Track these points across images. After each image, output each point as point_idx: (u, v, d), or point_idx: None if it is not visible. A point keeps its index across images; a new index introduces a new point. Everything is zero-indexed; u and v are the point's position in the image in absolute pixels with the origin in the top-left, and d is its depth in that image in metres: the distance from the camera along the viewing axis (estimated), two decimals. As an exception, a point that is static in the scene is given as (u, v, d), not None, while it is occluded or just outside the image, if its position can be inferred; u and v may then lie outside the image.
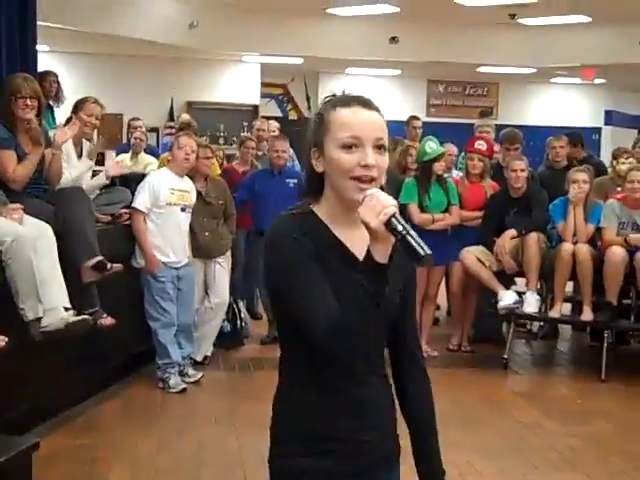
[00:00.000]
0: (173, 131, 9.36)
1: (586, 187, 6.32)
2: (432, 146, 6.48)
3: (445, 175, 6.92)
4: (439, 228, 6.48)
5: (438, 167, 6.47)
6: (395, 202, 1.69)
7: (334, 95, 1.90)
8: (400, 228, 1.66)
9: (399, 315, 1.93)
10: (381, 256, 1.69)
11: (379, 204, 1.68)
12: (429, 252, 1.65)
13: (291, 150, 7.18)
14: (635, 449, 4.81)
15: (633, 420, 5.35)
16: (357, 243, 1.83)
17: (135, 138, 8.07)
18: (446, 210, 6.54)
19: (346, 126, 1.80)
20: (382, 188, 1.78)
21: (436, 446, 2.03)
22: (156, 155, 8.24)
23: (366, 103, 1.84)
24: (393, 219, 1.66)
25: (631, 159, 7.27)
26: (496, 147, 7.64)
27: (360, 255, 1.79)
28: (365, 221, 1.68)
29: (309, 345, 1.77)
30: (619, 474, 4.44)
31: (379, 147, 1.80)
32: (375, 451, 1.93)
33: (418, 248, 1.65)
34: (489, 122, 9.57)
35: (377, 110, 1.85)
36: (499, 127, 10.87)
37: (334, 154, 1.80)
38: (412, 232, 1.67)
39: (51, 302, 4.35)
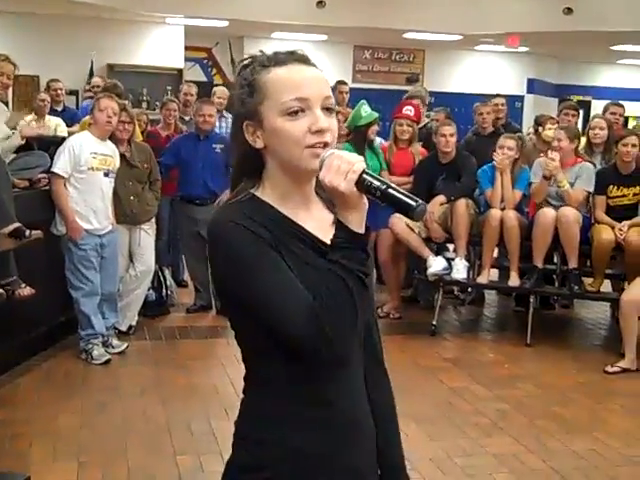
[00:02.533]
0: (93, 94, 9.03)
1: (511, 153, 6.34)
2: (367, 110, 6.41)
3: (377, 141, 6.90)
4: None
5: (372, 131, 6.42)
6: (361, 158, 1.46)
7: (253, 57, 1.60)
8: (377, 183, 1.43)
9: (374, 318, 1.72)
10: (357, 225, 1.47)
11: (344, 163, 1.44)
12: (421, 201, 1.43)
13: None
14: (560, 411, 4.89)
15: (558, 383, 5.43)
16: (318, 222, 1.60)
17: (41, 100, 7.71)
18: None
19: (288, 87, 1.52)
20: None
21: (402, 460, 1.81)
22: (76, 119, 7.93)
23: (304, 59, 1.57)
24: (365, 175, 1.44)
25: (556, 125, 7.36)
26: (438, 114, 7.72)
27: (325, 236, 1.56)
28: (332, 185, 1.44)
29: (286, 352, 1.50)
30: (546, 436, 4.50)
31: (328, 108, 1.54)
32: (358, 476, 1.66)
33: (408, 199, 1.42)
34: (420, 87, 9.56)
35: (315, 66, 1.58)
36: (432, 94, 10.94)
37: (277, 124, 1.52)
38: (392, 184, 1.45)
39: (-36, 271, 4.13)
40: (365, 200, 1.47)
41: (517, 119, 13.21)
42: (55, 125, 7.38)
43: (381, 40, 15.52)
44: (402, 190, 1.45)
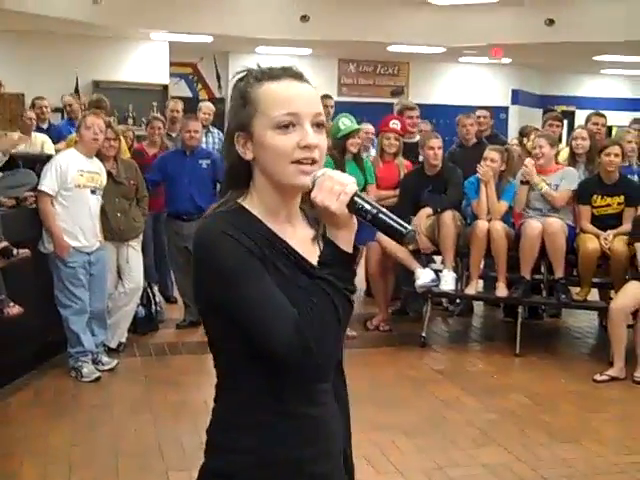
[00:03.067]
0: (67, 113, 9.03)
1: (495, 165, 6.40)
2: (346, 122, 6.41)
3: (364, 155, 6.90)
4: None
5: (352, 144, 6.37)
6: (354, 179, 1.49)
7: (249, 70, 1.63)
8: (368, 207, 1.45)
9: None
10: (346, 244, 1.49)
11: (336, 184, 1.46)
12: (410, 227, 1.46)
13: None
14: (550, 421, 4.92)
15: (547, 392, 5.47)
16: (301, 239, 1.63)
17: (29, 118, 7.69)
18: (363, 189, 6.50)
19: (280, 102, 1.55)
20: None
21: (352, 465, 1.82)
22: (62, 136, 7.92)
23: (298, 75, 1.61)
24: (357, 198, 1.46)
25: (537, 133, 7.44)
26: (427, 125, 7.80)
27: (306, 253, 1.60)
28: (324, 205, 1.45)
29: (262, 360, 1.51)
30: (535, 445, 4.52)
31: (318, 125, 1.57)
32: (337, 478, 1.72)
33: (397, 226, 1.45)
34: (405, 100, 9.62)
35: (308, 82, 1.62)
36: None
37: (267, 137, 1.54)
38: (383, 209, 1.46)
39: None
40: (355, 220, 1.49)
41: (502, 130, 13.30)
42: (42, 142, 7.36)
43: (366, 53, 15.61)
44: (392, 216, 1.46)
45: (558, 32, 13.00)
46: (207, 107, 8.19)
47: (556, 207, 6.22)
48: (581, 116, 12.13)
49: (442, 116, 13.46)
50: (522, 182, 6.29)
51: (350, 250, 1.50)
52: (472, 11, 13.15)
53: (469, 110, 8.40)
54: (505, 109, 16.83)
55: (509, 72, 17.07)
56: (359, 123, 6.87)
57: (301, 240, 1.63)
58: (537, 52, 14.53)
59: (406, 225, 1.45)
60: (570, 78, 18.08)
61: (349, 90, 16.29)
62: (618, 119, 15.28)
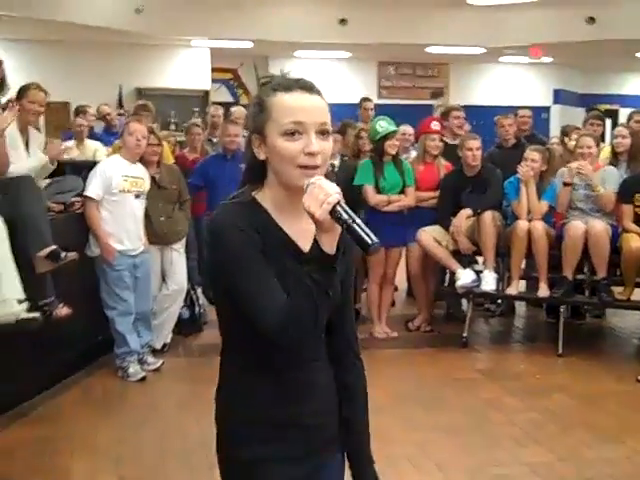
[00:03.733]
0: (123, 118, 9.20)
1: (536, 165, 6.38)
2: (383, 125, 6.44)
3: (403, 156, 6.93)
4: (395, 209, 6.48)
5: (389, 145, 6.40)
6: (338, 189, 1.64)
7: (272, 77, 1.83)
8: (345, 217, 1.61)
9: (339, 301, 1.90)
10: (328, 246, 1.65)
11: (322, 192, 1.63)
12: (376, 240, 1.61)
13: None
14: (593, 420, 4.89)
15: (590, 393, 5.43)
16: (302, 233, 1.79)
17: (78, 125, 7.89)
18: (402, 191, 6.53)
19: (288, 112, 1.73)
20: (327, 176, 1.72)
21: (367, 433, 2.05)
22: (106, 143, 8.08)
23: (308, 87, 1.78)
24: (338, 207, 1.61)
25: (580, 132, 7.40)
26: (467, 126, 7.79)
27: (305, 245, 1.76)
28: (310, 211, 1.63)
29: (256, 335, 1.73)
30: (580, 445, 4.51)
31: (322, 132, 1.75)
32: (325, 434, 1.95)
33: (365, 237, 1.61)
34: (446, 103, 9.62)
35: (319, 94, 1.79)
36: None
37: (276, 142, 1.74)
38: (358, 220, 1.62)
39: (3, 294, 4.25)
40: (337, 226, 1.64)
41: (544, 130, 13.22)
42: (94, 150, 7.53)
43: (405, 55, 15.61)
44: (365, 228, 1.61)
45: (599, 30, 12.88)
46: (240, 112, 8.25)
47: (606, 210, 6.16)
48: (624, 114, 12.00)
49: (483, 117, 13.32)
50: (565, 183, 6.23)
51: (332, 251, 1.66)
52: (511, 10, 13.09)
53: (510, 111, 8.37)
54: (547, 109, 16.71)
55: (550, 71, 16.93)
56: (397, 125, 6.91)
57: (303, 234, 1.79)
58: (578, 51, 14.39)
59: (373, 238, 1.61)
60: (612, 76, 17.85)
61: (389, 93, 16.30)
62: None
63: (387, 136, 6.39)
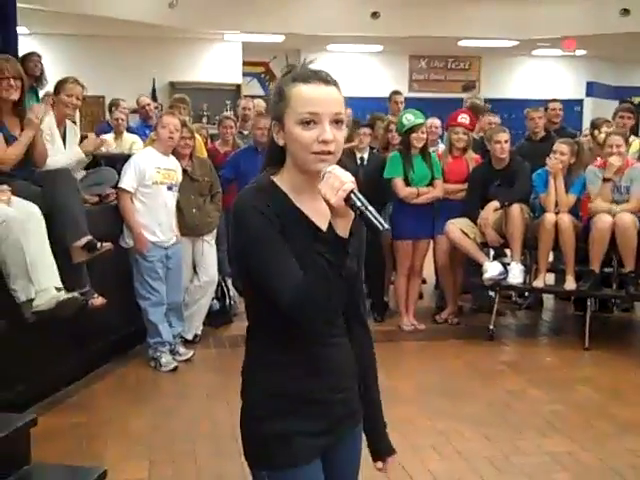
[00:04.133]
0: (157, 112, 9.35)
1: (564, 158, 6.41)
2: (409, 117, 6.49)
3: (431, 149, 6.98)
4: (424, 201, 6.54)
5: (416, 138, 6.44)
6: (353, 178, 1.75)
7: (293, 67, 1.94)
8: (359, 204, 1.73)
9: (356, 287, 2.07)
10: (342, 230, 1.77)
11: (337, 181, 1.74)
12: (387, 227, 1.75)
13: None
14: (618, 413, 4.93)
15: (616, 386, 5.47)
16: (319, 213, 1.91)
17: (115, 119, 8.05)
18: (430, 184, 6.59)
19: (305, 102, 1.86)
20: (340, 163, 1.84)
21: (378, 397, 2.20)
22: (142, 134, 8.23)
23: (324, 79, 1.89)
24: (352, 195, 1.73)
25: (612, 128, 7.39)
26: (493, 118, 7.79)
27: (322, 224, 1.89)
28: (326, 198, 1.75)
29: (276, 312, 1.85)
30: (602, 437, 4.56)
31: (337, 122, 1.87)
32: (343, 409, 2.06)
33: (376, 223, 1.73)
34: (478, 95, 9.64)
35: (335, 85, 1.91)
36: (489, 101, 11.00)
37: (294, 129, 1.86)
38: (370, 207, 1.74)
39: (42, 283, 4.39)
40: (351, 212, 1.76)
41: (577, 123, 13.16)
42: (131, 143, 7.68)
43: (436, 49, 15.60)
44: (377, 214, 1.74)
45: (633, 22, 12.77)
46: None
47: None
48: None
49: (515, 110, 13.31)
50: (604, 179, 6.24)
51: (345, 235, 1.78)
52: (544, 3, 13.03)
53: (542, 104, 8.38)
54: (580, 102, 16.59)
55: (583, 64, 16.80)
56: (426, 118, 6.96)
57: (320, 214, 1.91)
58: (612, 43, 14.27)
59: (384, 224, 1.74)
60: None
61: (420, 86, 16.30)
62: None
63: (414, 129, 6.44)
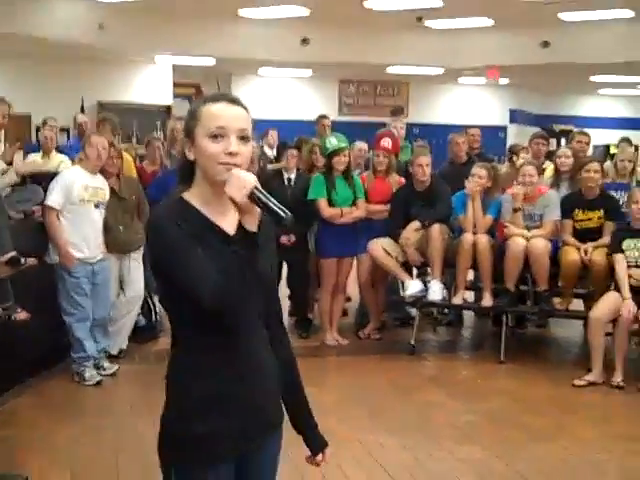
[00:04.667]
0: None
1: (482, 181, 6.69)
2: (332, 141, 6.70)
3: (356, 172, 7.19)
4: (348, 221, 6.73)
5: (337, 161, 6.65)
6: (255, 177, 1.95)
7: (204, 96, 2.17)
8: (262, 197, 1.92)
9: (272, 288, 2.24)
10: (250, 225, 1.95)
11: (240, 180, 1.94)
12: (289, 215, 1.92)
13: None
14: (529, 422, 5.16)
15: (528, 396, 5.72)
16: (228, 221, 2.08)
17: (45, 137, 8.02)
18: (352, 204, 6.78)
19: (213, 118, 2.04)
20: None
21: (305, 395, 2.33)
22: (68, 154, 8.21)
23: (232, 100, 2.10)
24: (255, 190, 1.92)
25: (529, 154, 7.75)
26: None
27: (231, 231, 2.06)
28: (231, 196, 1.93)
29: (197, 315, 1.98)
30: (513, 445, 4.78)
31: (242, 138, 2.04)
32: (263, 413, 2.15)
33: (279, 211, 1.92)
34: (399, 120, 9.90)
35: (243, 106, 2.10)
36: (410, 125, 11.29)
37: (203, 143, 2.03)
38: (272, 200, 1.93)
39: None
40: (257, 208, 1.95)
41: (500, 148, 13.58)
42: (59, 162, 7.65)
43: (366, 74, 15.95)
44: (279, 205, 1.93)
45: (553, 54, 13.32)
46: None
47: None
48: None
49: (441, 135, 13.69)
50: (514, 209, 6.54)
51: (254, 229, 1.96)
52: (469, 34, 13.49)
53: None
54: (504, 128, 17.16)
55: (507, 92, 17.41)
56: (352, 142, 7.16)
57: (228, 222, 2.09)
58: (533, 73, 14.85)
59: (287, 212, 1.92)
60: (567, 98, 18.41)
61: (350, 110, 16.64)
62: (616, 138, 15.60)
63: (337, 152, 6.65)
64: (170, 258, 1.99)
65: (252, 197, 1.92)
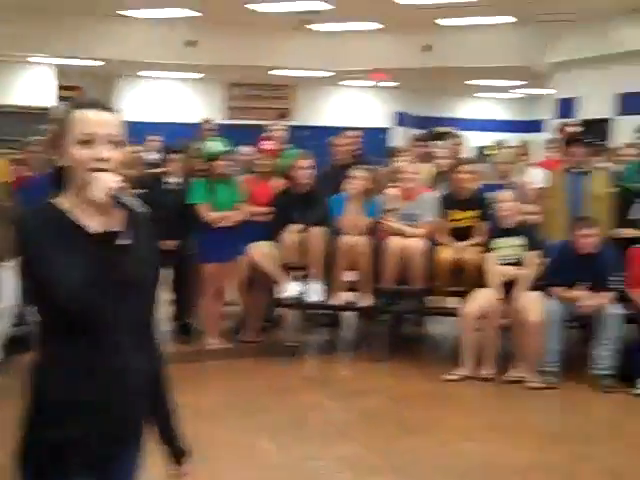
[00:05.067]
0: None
1: (360, 183, 6.83)
2: (213, 146, 6.75)
3: (239, 176, 7.21)
4: (228, 224, 6.74)
5: (217, 166, 6.69)
6: (117, 179, 2.00)
7: (73, 100, 2.17)
8: (122, 198, 1.99)
9: (146, 292, 2.18)
10: (114, 225, 2.00)
11: (102, 182, 1.99)
12: (146, 210, 2.03)
13: None
14: (404, 417, 5.34)
15: (403, 393, 5.90)
16: (97, 225, 2.07)
17: None
18: (235, 208, 6.81)
19: (82, 124, 2.05)
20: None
21: (171, 407, 2.27)
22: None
23: (100, 105, 2.11)
24: (116, 192, 1.99)
25: (408, 156, 7.96)
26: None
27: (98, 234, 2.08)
28: (94, 198, 1.99)
29: (57, 317, 1.99)
30: (389, 439, 4.93)
31: (112, 142, 2.06)
32: (126, 425, 2.12)
33: (136, 207, 2.00)
34: (281, 123, 9.97)
35: (111, 111, 2.11)
36: (297, 128, 11.39)
37: (72, 149, 2.04)
38: (132, 199, 2.01)
39: None
40: (120, 209, 2.00)
41: (382, 151, 13.85)
42: None
43: (253, 77, 15.98)
44: (135, 203, 2.00)
45: (435, 57, 13.71)
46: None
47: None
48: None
49: (328, 137, 13.87)
50: (389, 210, 6.70)
51: (119, 229, 2.00)
52: (353, 37, 13.74)
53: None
54: (387, 130, 17.49)
55: (391, 95, 17.77)
56: (237, 146, 7.17)
57: (98, 225, 2.07)
58: (416, 76, 15.24)
59: (143, 208, 2.02)
60: (448, 101, 18.97)
61: (237, 113, 16.63)
62: (489, 139, 16.23)
63: (217, 156, 6.67)
64: (31, 259, 2.00)
65: (114, 198, 1.99)
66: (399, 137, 16.77)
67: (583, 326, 6.56)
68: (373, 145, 11.00)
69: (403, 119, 17.81)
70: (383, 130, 17.09)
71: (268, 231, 6.94)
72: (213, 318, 6.88)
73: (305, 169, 6.96)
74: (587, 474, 4.48)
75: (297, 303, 6.74)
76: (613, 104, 12.43)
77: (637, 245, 6.39)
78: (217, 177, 6.72)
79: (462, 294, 6.92)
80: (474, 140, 13.80)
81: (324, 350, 7.26)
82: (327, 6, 11.49)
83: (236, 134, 9.04)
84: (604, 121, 12.41)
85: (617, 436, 5.20)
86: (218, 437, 4.84)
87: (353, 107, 17.45)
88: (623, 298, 6.20)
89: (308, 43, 13.82)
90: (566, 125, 8.95)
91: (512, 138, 15.30)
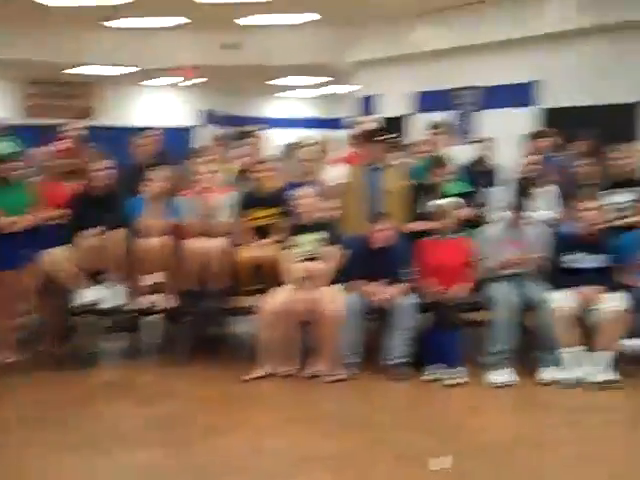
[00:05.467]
0: None
1: (158, 184, 6.74)
2: (0, 147, 6.41)
3: (31, 178, 6.89)
4: (18, 230, 6.42)
5: (3, 169, 6.41)
6: None
7: None
8: None
9: None
10: None
11: None
12: None
13: None
14: (204, 420, 5.29)
15: (203, 396, 5.87)
16: None
17: None
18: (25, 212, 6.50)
19: None
20: None
21: None
22: None
23: None
24: None
25: (211, 156, 7.91)
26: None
27: None
28: None
29: None
30: (188, 442, 4.84)
31: None
32: None
33: None
34: (77, 123, 9.63)
35: None
36: (99, 128, 11.06)
37: None
38: None
39: None
40: None
41: (185, 150, 13.71)
42: None
43: (53, 74, 15.35)
44: None
45: (240, 55, 13.79)
46: None
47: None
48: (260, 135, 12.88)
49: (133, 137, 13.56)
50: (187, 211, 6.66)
51: None
52: (154, 34, 13.53)
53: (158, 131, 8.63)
54: (193, 128, 17.38)
55: (198, 94, 17.69)
56: (31, 147, 6.84)
57: None
58: (222, 74, 15.25)
59: None
60: (256, 99, 19.16)
61: (36, 112, 15.90)
62: (292, 136, 16.52)
63: (5, 158, 6.36)
64: None
65: None
66: (206, 136, 16.74)
67: (381, 318, 6.79)
68: (178, 145, 10.88)
69: (210, 118, 17.76)
70: (187, 130, 16.97)
71: (64, 235, 6.68)
72: (4, 330, 6.52)
73: (101, 171, 6.76)
74: (384, 458, 4.65)
75: (94, 309, 6.52)
76: (410, 102, 13.05)
77: (426, 237, 6.70)
78: (3, 181, 6.39)
79: (263, 292, 7.01)
80: (281, 138, 14.01)
81: (126, 356, 7.07)
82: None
83: (33, 134, 8.67)
84: (402, 118, 13.02)
85: (410, 420, 5.43)
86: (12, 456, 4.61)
87: (159, 107, 17.22)
88: (415, 288, 6.48)
89: (109, 39, 13.44)
90: (363, 122, 9.23)
91: (318, 135, 15.66)
